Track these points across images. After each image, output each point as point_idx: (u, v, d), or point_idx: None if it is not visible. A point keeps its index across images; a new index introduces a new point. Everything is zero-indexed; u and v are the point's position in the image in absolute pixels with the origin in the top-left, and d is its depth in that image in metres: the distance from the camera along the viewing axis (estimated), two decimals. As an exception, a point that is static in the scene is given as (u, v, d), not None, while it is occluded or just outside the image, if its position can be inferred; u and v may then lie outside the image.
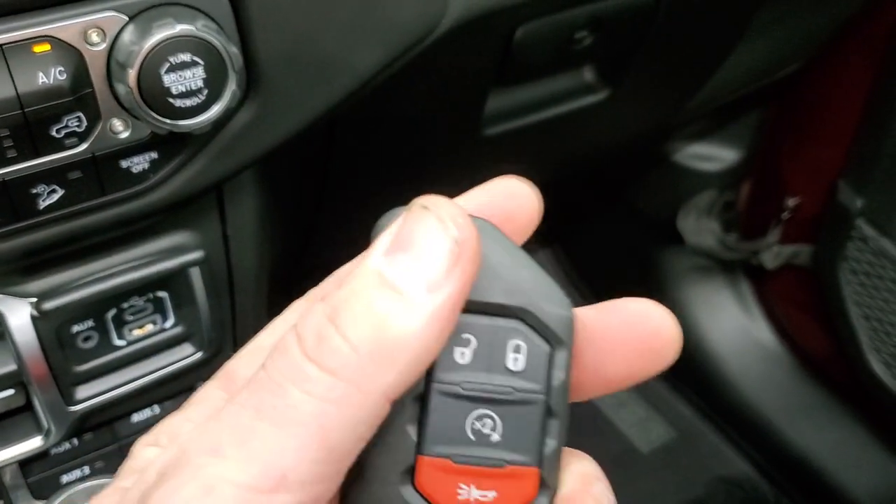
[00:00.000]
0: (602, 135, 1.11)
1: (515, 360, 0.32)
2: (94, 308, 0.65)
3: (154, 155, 0.56)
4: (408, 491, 0.32)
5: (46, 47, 0.49)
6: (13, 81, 0.48)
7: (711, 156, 1.40)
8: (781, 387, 1.45)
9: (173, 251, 0.65)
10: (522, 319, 0.33)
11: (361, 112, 0.74)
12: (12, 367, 0.62)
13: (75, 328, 0.65)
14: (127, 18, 0.50)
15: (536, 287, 0.33)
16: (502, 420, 0.32)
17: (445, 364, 0.32)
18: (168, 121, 0.51)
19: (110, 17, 0.50)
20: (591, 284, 1.58)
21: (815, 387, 1.42)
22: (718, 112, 1.33)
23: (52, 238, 0.57)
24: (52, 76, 0.49)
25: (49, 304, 0.61)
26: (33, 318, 0.61)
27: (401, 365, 0.29)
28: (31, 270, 0.62)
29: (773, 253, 1.35)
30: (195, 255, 0.64)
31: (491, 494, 0.32)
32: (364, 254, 0.31)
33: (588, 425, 1.47)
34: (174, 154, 0.57)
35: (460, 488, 0.32)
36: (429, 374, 0.32)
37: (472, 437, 0.32)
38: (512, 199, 0.35)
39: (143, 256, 0.64)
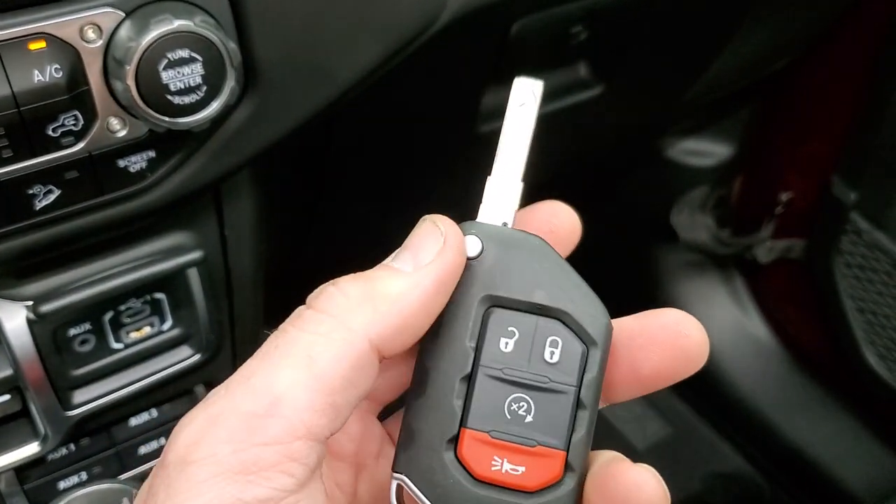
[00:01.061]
0: (597, 130, 1.11)
1: (552, 354, 0.37)
2: (91, 311, 0.64)
3: (151, 154, 0.55)
4: (450, 457, 0.37)
5: (42, 44, 0.48)
6: (8, 79, 0.47)
7: (704, 151, 1.40)
8: (776, 381, 1.45)
9: (171, 252, 0.64)
10: (561, 320, 0.38)
11: (357, 109, 0.73)
12: (8, 371, 0.61)
13: (72, 331, 0.64)
14: (123, 14, 0.49)
15: (576, 294, 0.38)
16: (536, 405, 0.37)
17: (491, 351, 0.37)
18: (166, 118, 0.51)
19: (107, 14, 0.49)
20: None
21: (809, 381, 1.42)
22: (710, 107, 1.33)
23: (49, 239, 0.56)
24: (48, 74, 0.48)
25: (45, 307, 0.60)
26: (29, 322, 0.60)
27: (383, 311, 0.35)
28: (26, 273, 0.61)
29: (766, 247, 1.35)
30: (194, 255, 0.63)
31: (520, 469, 0.36)
32: None
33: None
34: (172, 152, 0.56)
35: (494, 460, 0.37)
36: (476, 360, 0.37)
37: (508, 416, 0.37)
38: (555, 217, 0.42)
39: (140, 258, 0.63)
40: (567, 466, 0.37)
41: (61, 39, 0.48)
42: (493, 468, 0.37)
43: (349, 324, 0.34)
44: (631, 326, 0.39)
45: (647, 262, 1.51)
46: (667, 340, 0.38)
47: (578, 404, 0.37)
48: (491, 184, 0.40)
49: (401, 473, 0.37)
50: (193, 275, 0.65)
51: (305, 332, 0.34)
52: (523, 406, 0.37)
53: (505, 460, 0.37)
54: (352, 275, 0.36)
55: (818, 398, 1.41)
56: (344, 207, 0.92)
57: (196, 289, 0.66)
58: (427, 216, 0.38)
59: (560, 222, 0.41)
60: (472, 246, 0.38)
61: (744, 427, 1.46)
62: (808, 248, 1.30)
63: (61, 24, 0.48)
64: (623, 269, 1.56)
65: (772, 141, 1.35)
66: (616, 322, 0.39)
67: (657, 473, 0.35)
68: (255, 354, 0.35)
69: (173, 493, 0.32)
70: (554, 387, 0.37)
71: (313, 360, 0.33)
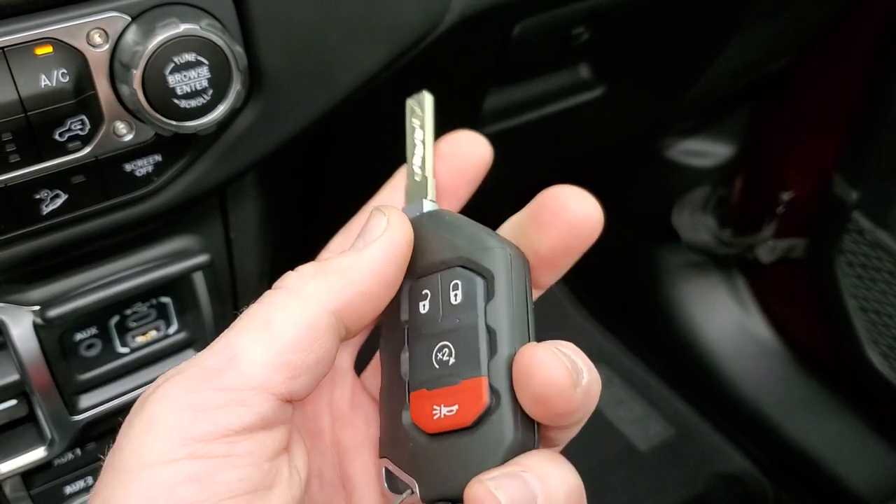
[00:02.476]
0: (598, 131, 1.11)
1: (455, 297, 0.39)
2: (98, 315, 0.64)
3: (158, 158, 0.55)
4: (408, 423, 0.39)
5: (48, 49, 0.48)
6: (15, 84, 0.47)
7: (704, 152, 1.40)
8: (779, 381, 1.44)
9: (177, 256, 0.64)
10: (462, 266, 0.40)
11: (361, 111, 0.73)
12: (14, 376, 0.61)
13: (78, 336, 0.64)
14: (129, 19, 0.49)
15: (472, 238, 0.40)
16: (455, 346, 0.39)
17: (414, 317, 0.40)
18: (173, 122, 0.51)
19: (113, 18, 0.49)
20: (586, 283, 1.58)
21: (812, 380, 1.42)
22: (711, 107, 1.33)
23: (55, 244, 0.56)
24: (55, 78, 0.48)
25: (52, 312, 0.60)
26: (36, 327, 0.60)
27: (335, 282, 0.38)
28: (33, 278, 0.61)
29: (768, 247, 1.35)
30: (200, 258, 0.63)
31: (454, 408, 0.38)
32: None
33: (586, 425, 1.46)
34: (178, 156, 0.56)
35: (434, 409, 0.38)
36: (409, 331, 0.40)
37: (436, 365, 0.39)
38: (461, 151, 0.45)
39: (146, 262, 0.63)
40: (492, 390, 0.37)
41: (68, 44, 0.48)
42: (435, 417, 0.38)
43: (302, 293, 0.38)
44: (527, 213, 0.41)
45: (648, 262, 1.51)
46: (553, 217, 0.40)
47: (488, 330, 0.38)
48: (408, 184, 0.45)
49: (384, 457, 0.40)
50: (199, 278, 0.65)
51: (263, 304, 0.38)
52: (445, 352, 0.39)
53: (442, 406, 0.38)
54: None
55: (821, 398, 1.41)
56: (348, 210, 0.92)
57: (202, 292, 0.66)
58: (375, 207, 0.42)
59: (466, 154, 0.44)
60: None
61: (746, 427, 1.46)
62: (809, 248, 1.30)
63: (68, 28, 0.48)
64: (624, 270, 1.56)
65: (772, 140, 1.35)
66: (517, 214, 0.41)
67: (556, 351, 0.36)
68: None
69: (132, 428, 0.36)
70: (463, 324, 0.38)
71: (269, 322, 0.37)
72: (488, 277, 0.39)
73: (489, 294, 0.38)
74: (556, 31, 0.83)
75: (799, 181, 1.30)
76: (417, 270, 0.41)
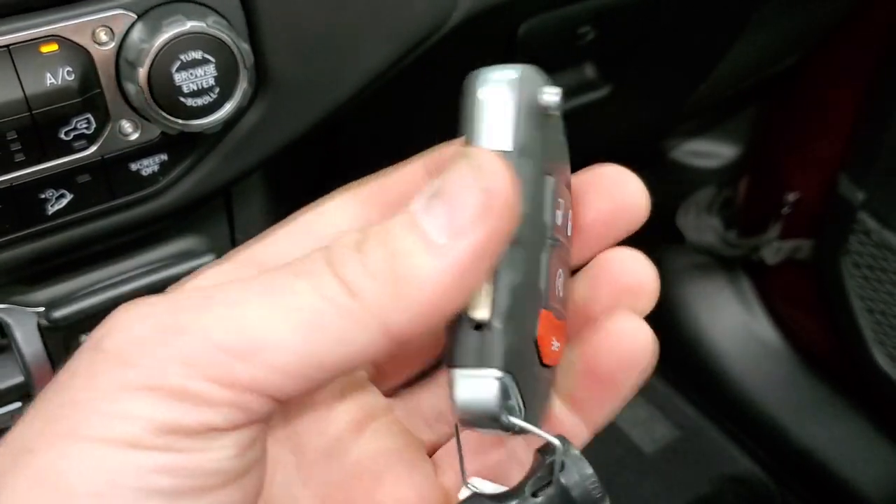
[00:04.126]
0: (603, 132, 1.11)
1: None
2: (103, 317, 0.63)
3: (164, 157, 0.54)
4: (533, 341, 0.32)
5: (54, 47, 0.47)
6: (20, 83, 0.47)
7: (709, 152, 1.40)
8: (784, 383, 1.44)
9: (183, 256, 0.63)
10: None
11: (366, 113, 0.73)
12: (19, 378, 0.61)
13: (84, 338, 0.63)
14: (136, 16, 0.49)
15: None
16: (564, 274, 0.34)
17: (555, 226, 0.34)
18: (179, 121, 0.50)
19: (119, 16, 0.48)
20: None
21: (818, 382, 1.42)
22: (716, 108, 1.32)
23: (61, 245, 0.55)
24: (60, 77, 0.48)
25: (57, 314, 0.59)
26: (41, 328, 0.60)
27: (407, 303, 0.29)
28: (38, 279, 0.60)
29: (773, 248, 1.34)
30: (206, 259, 0.63)
31: (557, 346, 0.33)
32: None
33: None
34: (184, 156, 0.55)
35: (553, 341, 0.33)
36: (550, 237, 0.33)
37: (560, 293, 0.34)
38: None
39: (152, 262, 0.63)
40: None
41: (73, 42, 0.48)
42: (553, 349, 0.33)
43: (369, 309, 0.29)
44: (575, 182, 0.37)
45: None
46: (603, 190, 0.38)
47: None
48: None
49: (497, 369, 0.31)
50: (205, 279, 0.65)
51: (317, 295, 0.29)
52: (561, 282, 0.34)
53: (554, 339, 0.33)
54: (376, 230, 0.30)
55: (827, 400, 1.41)
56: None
57: (207, 294, 0.66)
58: (462, 150, 0.31)
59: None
60: (553, 95, 0.33)
61: (752, 429, 1.45)
62: (815, 249, 1.30)
63: (73, 26, 0.47)
64: (629, 272, 1.56)
65: (777, 141, 1.35)
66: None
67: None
68: (258, 279, 0.30)
69: (97, 387, 0.29)
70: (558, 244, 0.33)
71: (314, 327, 0.28)
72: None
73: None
74: (561, 31, 0.82)
75: (804, 182, 1.30)
76: (548, 165, 0.33)
